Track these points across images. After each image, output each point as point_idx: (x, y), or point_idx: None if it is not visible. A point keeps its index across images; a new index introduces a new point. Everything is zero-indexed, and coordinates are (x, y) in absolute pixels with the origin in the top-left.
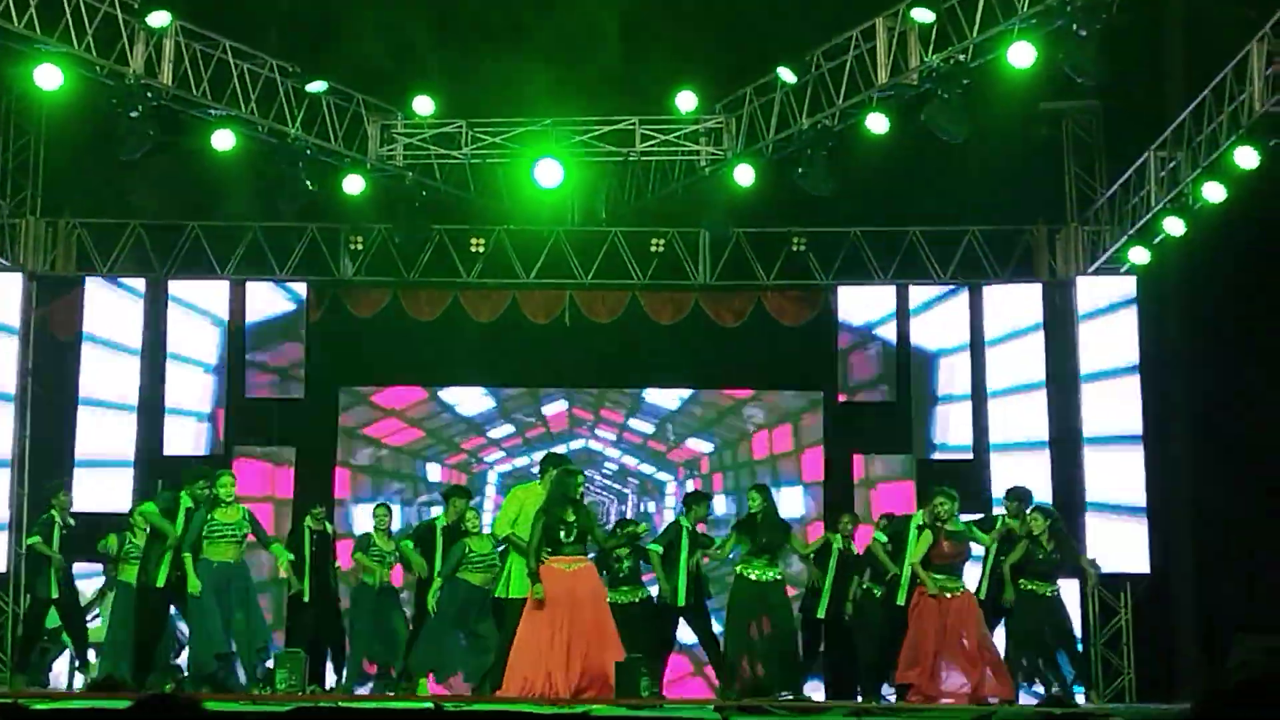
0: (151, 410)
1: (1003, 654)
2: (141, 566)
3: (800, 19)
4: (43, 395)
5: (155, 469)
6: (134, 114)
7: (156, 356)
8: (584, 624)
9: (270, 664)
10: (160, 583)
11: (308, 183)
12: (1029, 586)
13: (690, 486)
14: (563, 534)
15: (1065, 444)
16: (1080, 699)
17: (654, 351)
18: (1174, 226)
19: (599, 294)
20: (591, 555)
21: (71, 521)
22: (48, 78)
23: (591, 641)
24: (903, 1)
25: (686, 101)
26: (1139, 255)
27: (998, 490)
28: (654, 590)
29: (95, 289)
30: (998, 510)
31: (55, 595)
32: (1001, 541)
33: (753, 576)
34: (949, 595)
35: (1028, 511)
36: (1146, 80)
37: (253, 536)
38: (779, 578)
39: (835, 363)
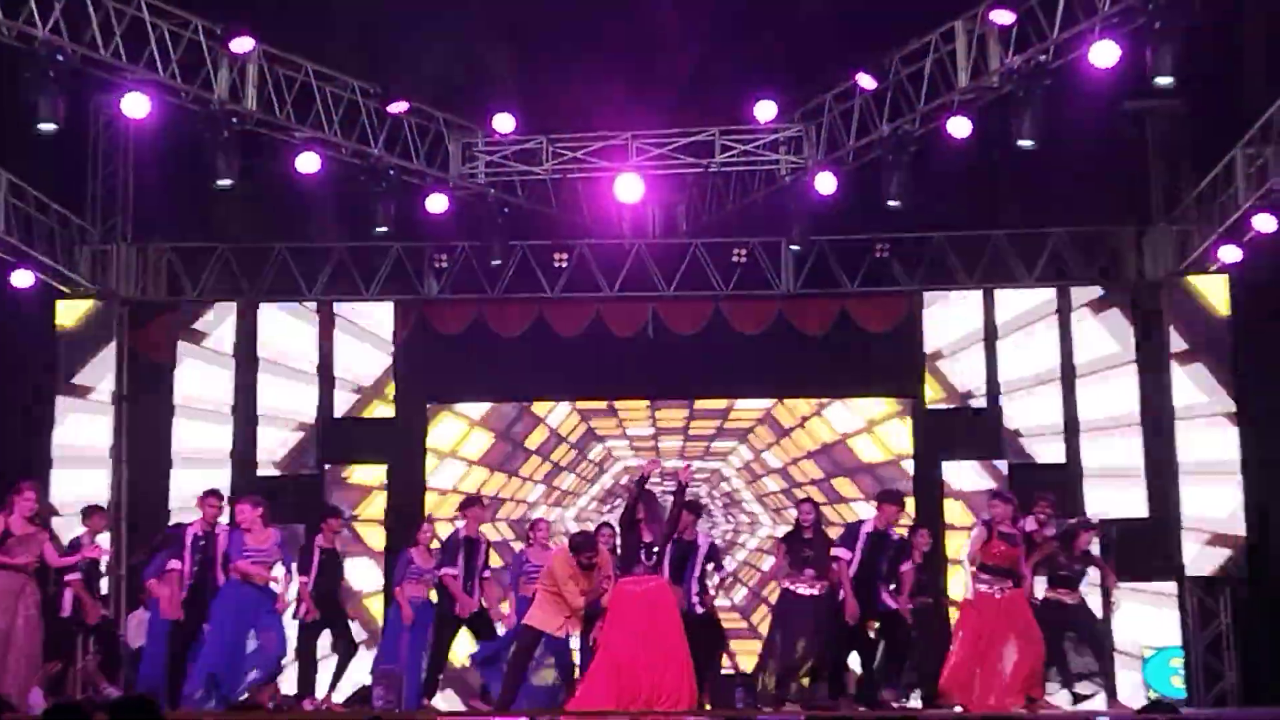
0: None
1: None
2: None
3: (878, 24)
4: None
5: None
6: (219, 138)
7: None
8: None
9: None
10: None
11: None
12: (1055, 595)
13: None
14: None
15: (1160, 470)
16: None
17: (738, 362)
18: (1264, 224)
19: (681, 305)
20: None
21: (104, 545)
22: (134, 105)
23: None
24: (982, 3)
25: (765, 111)
26: (1229, 254)
27: (1090, 494)
28: None
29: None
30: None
31: (69, 614)
32: (1027, 543)
33: (800, 590)
34: (999, 594)
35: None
36: (1231, 76)
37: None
38: (822, 592)
39: (922, 369)
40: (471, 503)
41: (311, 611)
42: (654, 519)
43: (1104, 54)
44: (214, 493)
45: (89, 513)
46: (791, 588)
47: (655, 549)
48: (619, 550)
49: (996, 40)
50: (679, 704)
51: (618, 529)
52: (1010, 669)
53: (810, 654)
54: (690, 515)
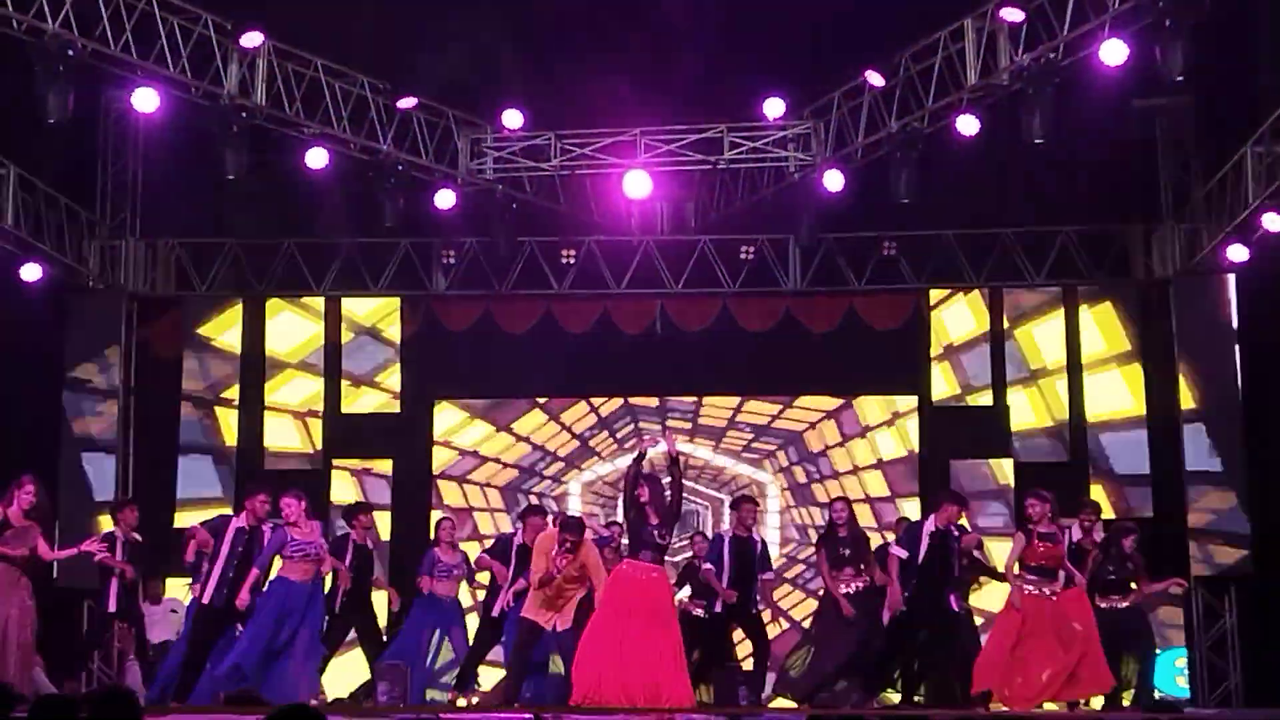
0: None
1: None
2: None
3: (887, 21)
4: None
5: (256, 483)
6: (229, 134)
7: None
8: None
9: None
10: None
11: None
12: (1104, 604)
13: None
14: None
15: (1167, 469)
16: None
17: (746, 359)
18: (1273, 222)
19: (689, 302)
20: None
21: (138, 537)
22: (144, 100)
23: None
24: (991, 1)
25: (774, 108)
26: (1238, 253)
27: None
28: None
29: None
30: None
31: (114, 610)
32: (1071, 555)
33: (840, 589)
34: (1049, 595)
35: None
36: (1240, 74)
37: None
38: (863, 587)
39: (929, 367)
40: (533, 512)
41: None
42: (658, 500)
43: (1113, 52)
44: (263, 490)
45: (120, 505)
46: (834, 588)
47: (663, 531)
48: (625, 534)
49: (1006, 38)
50: (678, 702)
51: (622, 518)
52: (1038, 671)
53: (847, 654)
54: (750, 506)
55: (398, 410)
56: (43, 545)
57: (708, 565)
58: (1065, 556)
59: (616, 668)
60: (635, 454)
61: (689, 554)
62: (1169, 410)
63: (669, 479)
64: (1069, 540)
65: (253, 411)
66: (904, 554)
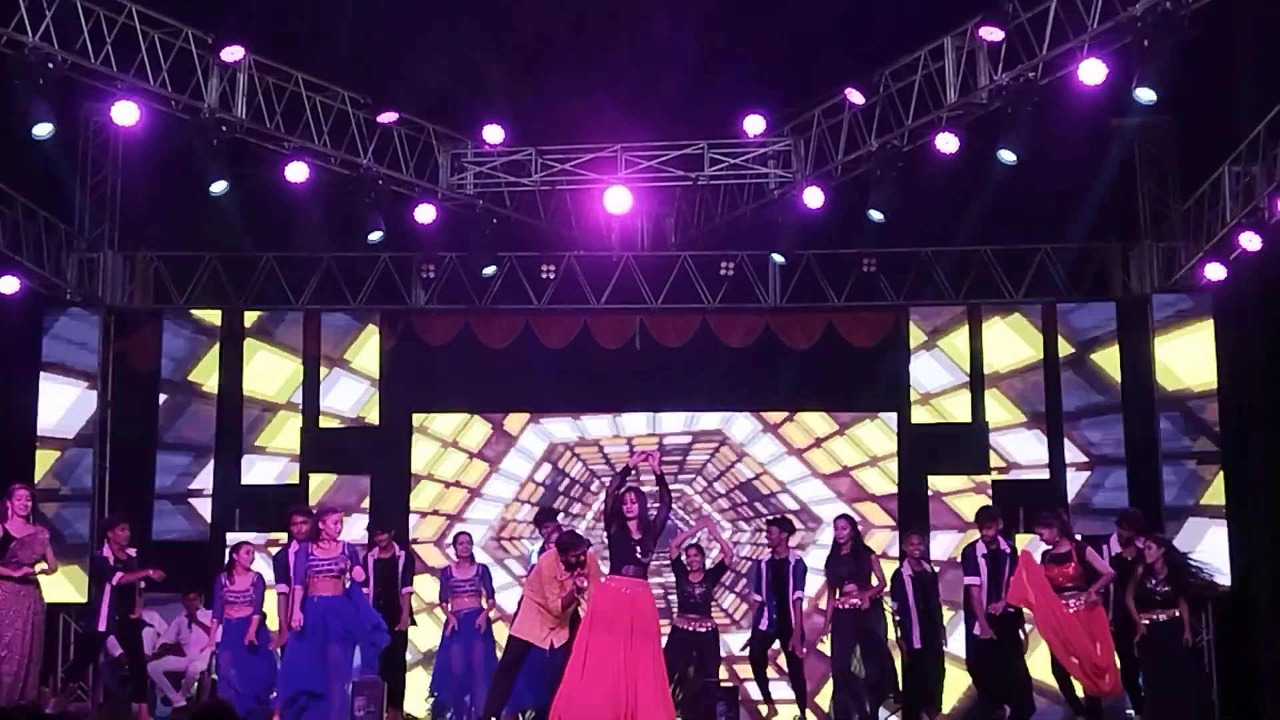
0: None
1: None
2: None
3: (867, 40)
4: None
5: (234, 499)
6: (209, 147)
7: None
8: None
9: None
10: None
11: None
12: (1150, 618)
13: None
14: None
15: (1142, 461)
16: None
17: (725, 374)
18: (1250, 241)
19: (669, 318)
20: None
21: (131, 553)
22: (124, 113)
23: None
24: (970, 20)
25: (754, 124)
26: (1215, 271)
27: (1073, 507)
28: None
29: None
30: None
31: (104, 629)
32: (1120, 572)
33: (845, 606)
34: (1070, 607)
35: (1142, 539)
36: (1219, 94)
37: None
38: (866, 605)
39: (908, 384)
40: (548, 516)
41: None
42: (643, 515)
43: (1092, 72)
44: (300, 509)
45: (111, 524)
46: (838, 605)
47: (646, 545)
48: (608, 550)
49: (985, 57)
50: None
51: (605, 532)
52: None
53: (871, 667)
54: (781, 532)
55: (376, 424)
56: (51, 555)
57: (757, 596)
58: (1080, 576)
59: (600, 685)
60: (622, 468)
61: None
62: (1146, 427)
63: (656, 495)
64: (1108, 553)
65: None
66: (977, 581)
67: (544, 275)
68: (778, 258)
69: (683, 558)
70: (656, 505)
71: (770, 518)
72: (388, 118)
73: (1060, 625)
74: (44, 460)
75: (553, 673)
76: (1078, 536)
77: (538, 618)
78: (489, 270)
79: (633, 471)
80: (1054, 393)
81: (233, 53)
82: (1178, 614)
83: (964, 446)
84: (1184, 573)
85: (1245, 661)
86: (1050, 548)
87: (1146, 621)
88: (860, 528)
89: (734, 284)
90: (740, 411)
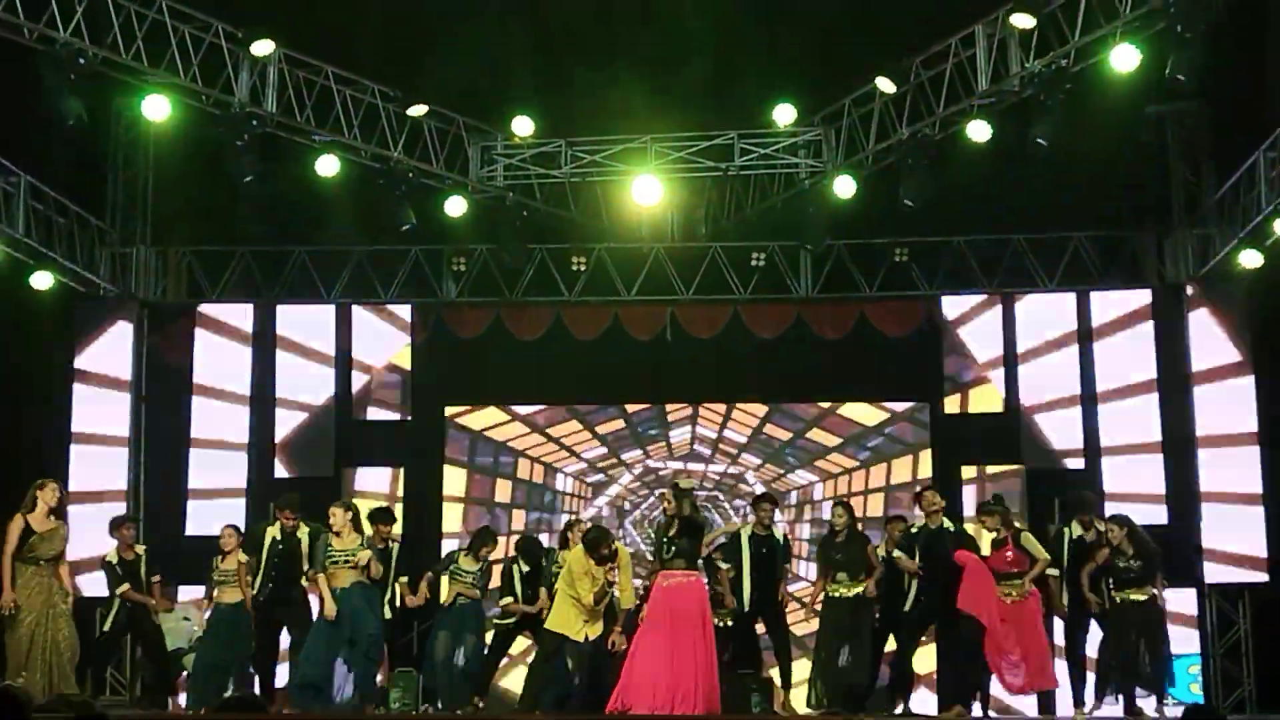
0: (262, 428)
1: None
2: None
3: (898, 28)
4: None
5: (267, 493)
6: (240, 142)
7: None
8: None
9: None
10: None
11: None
12: (1121, 596)
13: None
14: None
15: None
16: (1150, 708)
17: (756, 366)
18: None
19: (700, 309)
20: None
21: (138, 551)
22: (155, 108)
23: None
24: (1002, 7)
25: (785, 114)
26: (1250, 258)
27: (1110, 497)
28: None
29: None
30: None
31: (110, 629)
32: (1077, 554)
33: (837, 594)
34: (1008, 600)
35: (1106, 520)
36: (1253, 79)
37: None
38: (861, 593)
39: (940, 373)
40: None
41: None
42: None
43: (1125, 58)
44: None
45: (118, 524)
46: (828, 592)
47: (680, 541)
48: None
49: (1017, 44)
50: (714, 707)
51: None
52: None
53: (855, 656)
54: (768, 505)
55: (409, 418)
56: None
57: (725, 565)
58: (1020, 562)
59: (666, 675)
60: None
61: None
62: (1185, 423)
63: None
64: (1068, 539)
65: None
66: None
67: (575, 267)
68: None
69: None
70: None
71: (761, 493)
72: (417, 111)
73: (994, 631)
74: (77, 457)
75: (596, 662)
76: (1017, 525)
77: (572, 611)
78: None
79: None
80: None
81: (263, 47)
82: (1154, 590)
83: (998, 436)
84: (1150, 547)
85: None
86: (994, 534)
87: (1118, 599)
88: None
89: (765, 275)
90: (773, 402)
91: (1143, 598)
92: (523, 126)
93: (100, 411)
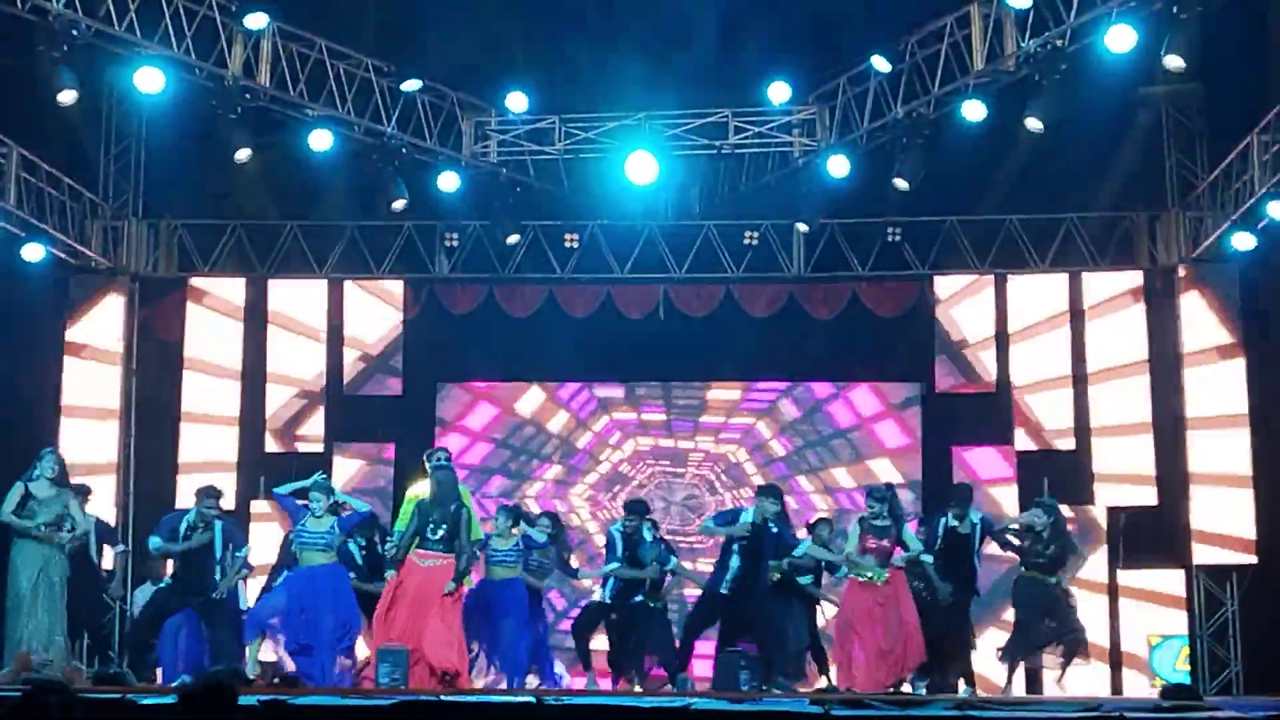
0: (253, 404)
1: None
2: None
3: (893, 7)
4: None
5: (257, 467)
6: (233, 115)
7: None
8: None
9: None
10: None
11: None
12: (1031, 574)
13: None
14: (429, 530)
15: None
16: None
17: (748, 344)
18: (1278, 211)
19: (693, 287)
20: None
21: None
22: (148, 81)
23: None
24: None
25: (779, 93)
26: (1243, 241)
27: (1100, 478)
28: None
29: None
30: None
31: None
32: (953, 542)
33: (864, 578)
34: (877, 582)
35: (1035, 503)
36: (1248, 62)
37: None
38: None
39: (932, 354)
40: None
41: None
42: None
43: (1120, 38)
44: None
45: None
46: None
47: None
48: None
49: (1012, 24)
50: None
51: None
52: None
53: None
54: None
55: (400, 394)
56: (76, 509)
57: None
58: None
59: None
60: None
61: None
62: (1174, 406)
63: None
64: (943, 528)
65: (254, 382)
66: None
67: (568, 244)
68: (802, 226)
69: None
70: None
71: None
72: (411, 85)
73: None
74: (68, 429)
75: None
76: (901, 514)
77: None
78: (513, 239)
79: None
80: (1080, 360)
81: (256, 20)
82: (1064, 574)
83: (988, 416)
84: (1069, 541)
85: (1270, 630)
86: (873, 519)
87: (1031, 576)
88: None
89: (758, 253)
90: (764, 380)
91: (1051, 580)
92: (517, 102)
93: (91, 384)
